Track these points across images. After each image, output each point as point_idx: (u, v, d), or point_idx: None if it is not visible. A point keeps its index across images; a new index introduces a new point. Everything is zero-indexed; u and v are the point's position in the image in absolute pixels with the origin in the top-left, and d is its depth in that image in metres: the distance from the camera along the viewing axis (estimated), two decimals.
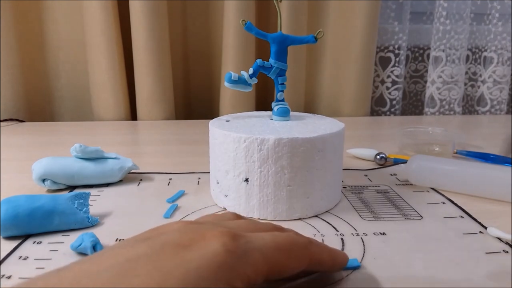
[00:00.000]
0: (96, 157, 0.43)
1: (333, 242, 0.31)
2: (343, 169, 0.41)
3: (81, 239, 0.29)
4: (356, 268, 0.28)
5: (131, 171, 0.46)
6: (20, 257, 0.29)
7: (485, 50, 0.97)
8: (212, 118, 0.42)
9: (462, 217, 0.36)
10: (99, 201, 0.39)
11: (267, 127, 0.37)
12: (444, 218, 0.36)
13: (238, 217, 0.27)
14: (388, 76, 0.95)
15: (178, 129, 0.77)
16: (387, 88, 0.95)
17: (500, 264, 0.28)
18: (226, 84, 0.38)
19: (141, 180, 0.46)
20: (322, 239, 0.32)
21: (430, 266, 0.28)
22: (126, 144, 0.66)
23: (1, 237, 0.32)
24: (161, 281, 0.16)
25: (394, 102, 0.96)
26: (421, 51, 1.00)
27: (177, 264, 0.17)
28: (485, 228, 0.34)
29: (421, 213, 0.37)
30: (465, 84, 1.00)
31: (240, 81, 0.38)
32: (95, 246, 0.29)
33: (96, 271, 0.17)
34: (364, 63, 0.87)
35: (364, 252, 0.30)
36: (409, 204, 0.39)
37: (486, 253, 0.30)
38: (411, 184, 0.45)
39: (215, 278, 0.17)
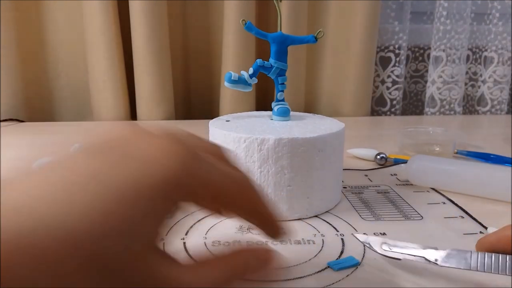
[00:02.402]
0: None
1: (333, 242, 0.31)
2: (343, 169, 0.41)
3: None
4: (355, 265, 0.28)
5: None
6: None
7: (486, 50, 0.97)
8: (212, 118, 0.42)
9: (462, 217, 0.36)
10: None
11: (267, 127, 0.37)
12: (445, 218, 0.36)
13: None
14: (389, 76, 0.95)
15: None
16: (388, 88, 0.95)
17: None
18: (226, 84, 0.38)
19: None
20: (322, 239, 0.32)
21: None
22: None
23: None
24: (115, 202, 0.15)
25: (394, 102, 0.96)
26: (422, 51, 1.00)
27: (127, 179, 0.16)
28: (486, 228, 0.34)
29: (422, 213, 0.37)
30: (466, 84, 0.99)
31: (240, 81, 0.38)
32: None
33: (38, 183, 0.15)
34: (364, 63, 0.87)
35: (364, 252, 0.30)
36: (409, 204, 0.39)
37: None
38: (412, 184, 0.45)
39: (165, 195, 0.16)
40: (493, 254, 0.21)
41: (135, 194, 0.16)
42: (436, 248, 0.24)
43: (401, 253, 0.24)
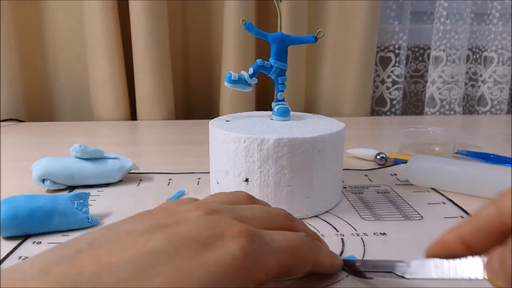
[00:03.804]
0: (96, 157, 0.43)
1: (333, 242, 0.31)
2: (343, 169, 0.41)
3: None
4: None
5: (131, 171, 0.46)
6: (20, 257, 0.29)
7: (486, 50, 0.97)
8: (212, 118, 0.42)
9: (462, 217, 0.36)
10: (99, 201, 0.39)
11: (267, 127, 0.37)
12: (445, 218, 0.36)
13: (251, 199, 0.27)
14: (389, 76, 0.95)
15: (178, 129, 0.77)
16: (388, 88, 0.95)
17: None
18: (226, 84, 0.38)
19: (141, 180, 0.46)
20: (322, 239, 0.32)
21: None
22: (126, 144, 0.66)
23: (1, 237, 0.32)
24: (181, 282, 0.16)
25: (394, 102, 0.96)
26: (422, 51, 1.00)
27: (196, 265, 0.17)
28: None
29: (422, 213, 0.37)
30: (466, 84, 0.99)
31: (240, 81, 0.38)
32: None
33: (116, 263, 0.16)
34: (364, 63, 0.87)
35: (364, 252, 0.30)
36: (409, 204, 0.39)
37: None
38: (412, 184, 0.44)
39: (231, 282, 0.18)
40: (450, 260, 0.21)
41: (204, 280, 0.17)
42: (403, 261, 0.24)
43: (372, 272, 0.25)
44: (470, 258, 0.21)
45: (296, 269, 0.22)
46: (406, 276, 0.23)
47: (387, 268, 0.24)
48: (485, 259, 0.20)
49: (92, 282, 0.15)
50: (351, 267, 0.26)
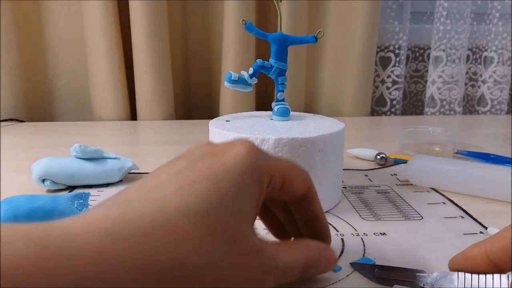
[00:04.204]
0: (96, 157, 0.43)
1: (333, 242, 0.31)
2: (343, 169, 0.41)
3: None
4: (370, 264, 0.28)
5: (131, 171, 0.46)
6: None
7: (486, 50, 0.97)
8: (212, 118, 0.42)
9: (462, 217, 0.36)
10: (99, 201, 0.39)
11: (267, 127, 0.37)
12: (445, 218, 0.36)
13: None
14: (389, 76, 0.95)
15: (178, 129, 0.77)
16: (388, 88, 0.95)
17: None
18: (226, 84, 0.38)
19: None
20: None
21: (431, 266, 0.28)
22: (126, 144, 0.66)
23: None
24: (212, 183, 0.19)
25: (394, 102, 0.96)
26: (422, 51, 1.00)
27: (219, 165, 0.20)
28: (486, 228, 0.34)
29: (422, 213, 0.37)
30: (466, 84, 0.99)
31: (240, 81, 0.38)
32: None
33: (156, 185, 0.19)
34: (364, 63, 0.87)
35: (364, 252, 0.30)
36: (409, 204, 0.39)
37: None
38: (412, 184, 0.45)
39: (246, 173, 0.20)
40: (479, 275, 0.21)
41: (234, 178, 0.20)
42: (424, 271, 0.24)
43: (393, 280, 0.25)
44: (495, 274, 0.21)
45: (295, 182, 0.24)
46: (426, 287, 0.23)
47: (407, 278, 0.24)
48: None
49: (141, 198, 0.19)
50: (369, 272, 0.26)
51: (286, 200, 0.26)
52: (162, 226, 0.17)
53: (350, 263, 0.28)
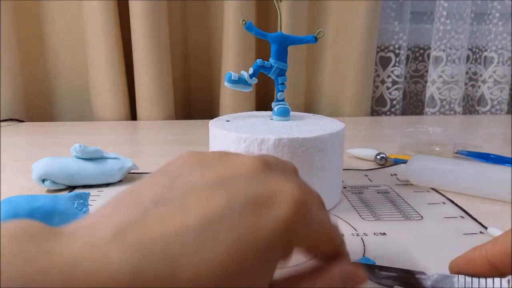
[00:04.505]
0: (96, 157, 0.43)
1: None
2: (343, 169, 0.41)
3: None
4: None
5: (131, 171, 0.46)
6: None
7: (486, 50, 0.97)
8: (212, 118, 0.42)
9: (462, 217, 0.36)
10: (99, 201, 0.39)
11: (267, 127, 0.37)
12: (445, 218, 0.36)
13: (296, 172, 0.25)
14: (389, 76, 0.95)
15: (178, 129, 0.77)
16: (388, 88, 0.95)
17: None
18: (226, 84, 0.38)
19: None
20: None
21: (431, 266, 0.28)
22: (126, 144, 0.66)
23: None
24: (239, 252, 0.16)
25: (394, 102, 0.96)
26: (422, 51, 1.00)
27: (252, 231, 0.16)
28: (486, 228, 0.34)
29: (422, 213, 0.37)
30: (466, 84, 0.99)
31: (240, 81, 0.38)
32: None
33: (180, 231, 0.15)
34: (364, 63, 0.87)
35: (364, 252, 0.30)
36: (409, 204, 0.39)
37: None
38: (412, 184, 0.44)
39: (279, 244, 0.17)
40: (479, 278, 0.21)
41: (256, 246, 0.16)
42: (424, 273, 0.24)
43: (393, 281, 0.25)
44: (496, 278, 0.21)
45: (321, 250, 0.21)
46: None
47: (407, 279, 0.24)
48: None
49: (160, 250, 0.15)
50: (369, 272, 0.26)
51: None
52: None
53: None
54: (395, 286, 0.25)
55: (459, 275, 0.22)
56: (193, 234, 0.15)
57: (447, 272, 0.23)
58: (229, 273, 0.15)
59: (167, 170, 0.19)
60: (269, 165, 0.20)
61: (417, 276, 0.24)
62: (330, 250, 0.21)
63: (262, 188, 0.18)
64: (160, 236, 0.15)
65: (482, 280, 0.21)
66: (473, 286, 0.21)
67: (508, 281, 0.21)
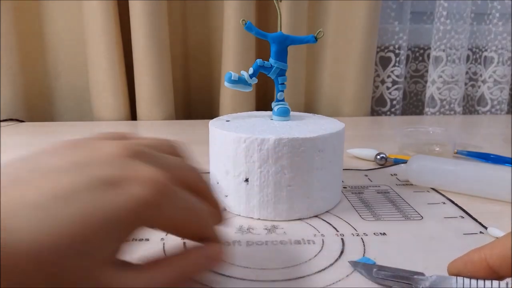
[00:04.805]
0: None
1: (333, 242, 0.31)
2: (343, 169, 0.41)
3: None
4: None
5: None
6: None
7: (486, 50, 0.97)
8: (212, 118, 0.42)
9: (462, 217, 0.36)
10: None
11: (267, 127, 0.37)
12: (445, 218, 0.36)
13: (174, 150, 0.26)
14: (389, 76, 0.95)
15: (178, 129, 0.77)
16: (388, 88, 0.95)
17: None
18: (226, 84, 0.38)
19: None
20: (322, 239, 0.32)
21: (431, 266, 0.28)
22: None
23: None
24: (87, 229, 0.17)
25: (394, 102, 0.96)
26: (422, 51, 1.00)
27: (102, 206, 0.18)
28: (486, 228, 0.34)
29: (422, 213, 0.37)
30: (466, 84, 0.99)
31: (240, 81, 0.38)
32: None
33: (22, 208, 0.17)
34: (364, 63, 0.87)
35: (364, 252, 0.30)
36: (409, 204, 0.39)
37: None
38: (412, 184, 0.45)
39: (126, 226, 0.19)
40: (477, 281, 0.21)
41: (102, 221, 0.18)
42: (423, 274, 0.24)
43: (391, 280, 0.25)
44: (494, 281, 0.21)
45: (183, 232, 0.23)
46: None
47: (406, 279, 0.24)
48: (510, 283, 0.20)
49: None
50: (368, 272, 0.26)
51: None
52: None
53: (348, 261, 0.28)
54: (393, 287, 0.25)
55: (458, 277, 0.22)
56: (34, 209, 0.17)
57: (446, 273, 0.23)
58: (76, 245, 0.17)
59: (35, 155, 0.21)
60: (135, 153, 0.21)
61: (415, 277, 0.24)
62: (199, 232, 0.23)
63: (117, 171, 0.19)
64: (3, 210, 0.16)
65: (481, 282, 0.21)
66: (465, 286, 0.22)
67: (507, 284, 0.21)
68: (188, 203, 0.22)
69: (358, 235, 0.33)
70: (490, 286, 0.21)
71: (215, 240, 0.24)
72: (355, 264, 0.27)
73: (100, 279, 0.18)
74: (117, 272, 0.19)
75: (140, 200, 0.19)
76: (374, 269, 0.26)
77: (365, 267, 0.27)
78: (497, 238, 0.32)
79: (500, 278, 0.21)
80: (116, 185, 0.19)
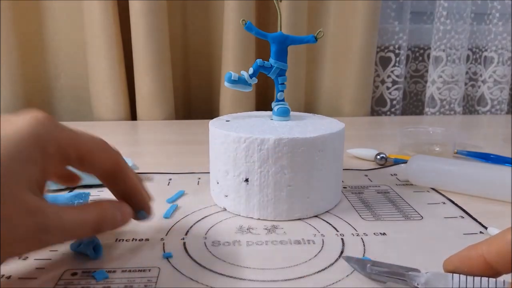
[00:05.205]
0: None
1: (333, 242, 0.31)
2: (343, 169, 0.41)
3: (81, 239, 0.29)
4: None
5: None
6: (20, 257, 0.29)
7: (486, 50, 0.97)
8: (212, 118, 0.42)
9: (462, 217, 0.36)
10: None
11: (267, 127, 0.37)
12: (445, 218, 0.36)
13: None
14: (389, 76, 0.95)
15: (178, 129, 0.77)
16: (388, 88, 0.95)
17: None
18: (226, 84, 0.38)
19: None
20: (322, 239, 0.32)
21: (431, 266, 0.28)
22: (126, 144, 0.66)
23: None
24: None
25: (394, 102, 0.96)
26: (422, 51, 1.00)
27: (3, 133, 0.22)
28: (486, 228, 0.34)
29: (422, 213, 0.37)
30: (466, 84, 0.99)
31: (240, 81, 0.38)
32: (95, 246, 0.29)
33: None
34: (364, 63, 0.87)
35: (364, 252, 0.30)
36: (409, 204, 0.39)
37: None
38: (412, 184, 0.45)
39: (25, 140, 0.22)
40: (474, 277, 0.21)
41: (11, 145, 0.21)
42: (418, 270, 0.24)
43: (386, 276, 0.25)
44: (491, 278, 0.21)
45: (96, 156, 0.27)
46: (420, 286, 0.23)
47: (400, 275, 0.24)
48: (508, 280, 0.20)
49: None
50: (362, 267, 0.26)
51: (95, 175, 0.28)
52: None
53: (342, 256, 0.28)
54: (388, 282, 0.25)
55: (454, 274, 0.22)
56: None
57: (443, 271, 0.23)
58: None
59: None
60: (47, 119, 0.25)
61: (410, 273, 0.24)
62: (107, 164, 0.27)
63: (9, 116, 0.23)
64: None
65: (477, 279, 0.21)
66: (467, 285, 0.21)
67: (504, 281, 0.21)
68: (80, 132, 0.26)
69: (358, 235, 0.33)
70: (487, 283, 0.21)
71: (142, 201, 0.29)
72: (348, 259, 0.27)
73: (27, 201, 0.21)
74: (44, 200, 0.23)
75: (32, 119, 0.23)
76: (368, 265, 0.26)
77: (359, 262, 0.27)
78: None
79: (497, 274, 0.21)
80: (8, 123, 0.23)
